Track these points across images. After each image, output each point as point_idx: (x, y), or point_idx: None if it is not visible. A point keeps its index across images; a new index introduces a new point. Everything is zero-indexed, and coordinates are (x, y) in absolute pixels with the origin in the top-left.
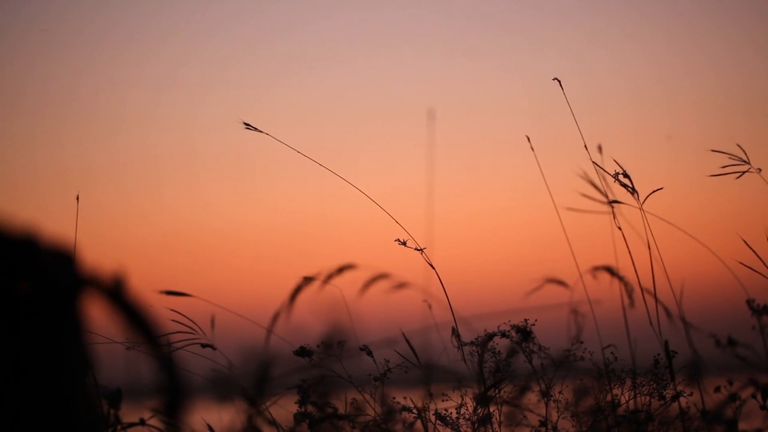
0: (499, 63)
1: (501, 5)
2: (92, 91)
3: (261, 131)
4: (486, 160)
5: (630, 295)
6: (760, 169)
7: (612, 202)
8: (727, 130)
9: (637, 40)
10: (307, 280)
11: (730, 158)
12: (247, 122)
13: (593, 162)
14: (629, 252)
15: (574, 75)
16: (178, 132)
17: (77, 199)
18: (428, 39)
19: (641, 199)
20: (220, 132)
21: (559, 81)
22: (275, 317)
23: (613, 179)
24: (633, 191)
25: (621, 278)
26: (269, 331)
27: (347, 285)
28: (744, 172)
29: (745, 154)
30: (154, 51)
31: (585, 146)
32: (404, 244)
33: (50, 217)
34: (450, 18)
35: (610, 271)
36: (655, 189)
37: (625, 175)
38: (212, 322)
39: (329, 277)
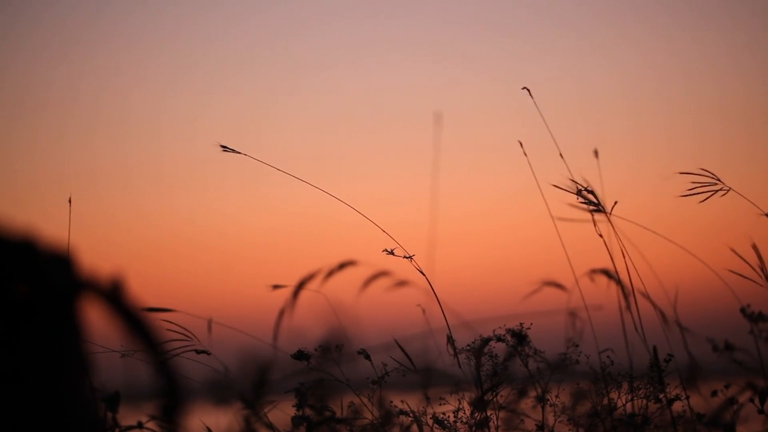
0: (493, 68)
1: (498, 11)
2: (93, 94)
3: (238, 152)
4: (482, 164)
5: (626, 298)
6: (729, 189)
7: (593, 211)
8: (721, 134)
9: (633, 45)
10: (300, 284)
11: (693, 182)
12: (223, 145)
13: (554, 185)
14: (611, 258)
15: (570, 80)
16: (177, 134)
17: (69, 201)
18: (427, 46)
19: (608, 210)
20: (220, 132)
21: (529, 90)
22: (280, 315)
23: (577, 196)
24: (597, 205)
25: (618, 281)
26: (276, 329)
27: (347, 285)
28: (713, 193)
29: (713, 174)
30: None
31: (561, 155)
32: (392, 253)
33: (50, 220)
34: (447, 25)
35: (607, 274)
36: (615, 201)
37: (588, 191)
38: (209, 327)
39: (331, 273)
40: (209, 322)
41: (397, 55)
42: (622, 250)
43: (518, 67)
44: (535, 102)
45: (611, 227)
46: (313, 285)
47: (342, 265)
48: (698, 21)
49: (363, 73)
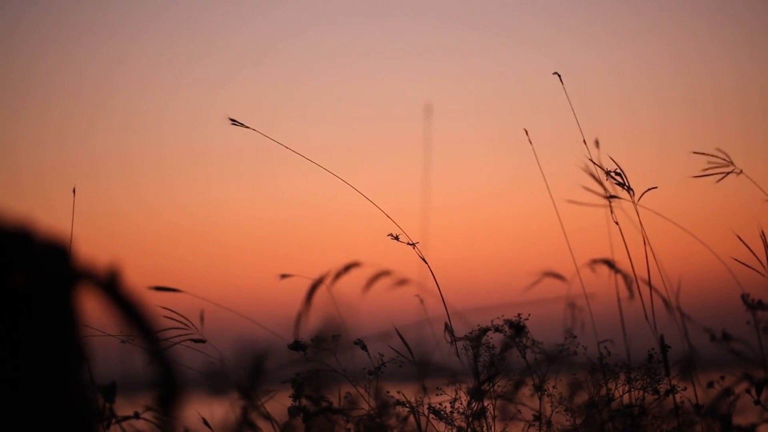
0: (490, 62)
1: (493, 8)
2: (98, 85)
3: (247, 127)
4: (481, 154)
5: (629, 287)
6: (741, 171)
7: (610, 197)
8: (719, 127)
9: (628, 39)
10: (315, 285)
11: (709, 162)
12: (233, 118)
13: (590, 159)
14: (626, 247)
15: (568, 71)
16: (182, 125)
17: (73, 191)
18: (425, 42)
19: (636, 196)
20: (222, 124)
21: (560, 75)
22: (298, 319)
23: (606, 177)
24: (629, 189)
25: (619, 271)
26: (295, 332)
27: (348, 282)
28: (727, 174)
29: (727, 156)
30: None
31: (584, 141)
32: (397, 238)
33: (50, 210)
34: (445, 22)
35: (609, 264)
36: (649, 187)
37: (618, 173)
38: (201, 317)
39: (338, 275)
40: (201, 313)
41: (390, 54)
42: (644, 239)
43: (514, 61)
44: (564, 88)
45: (638, 214)
46: (324, 286)
47: (348, 267)
48: (697, 8)
49: (356, 71)
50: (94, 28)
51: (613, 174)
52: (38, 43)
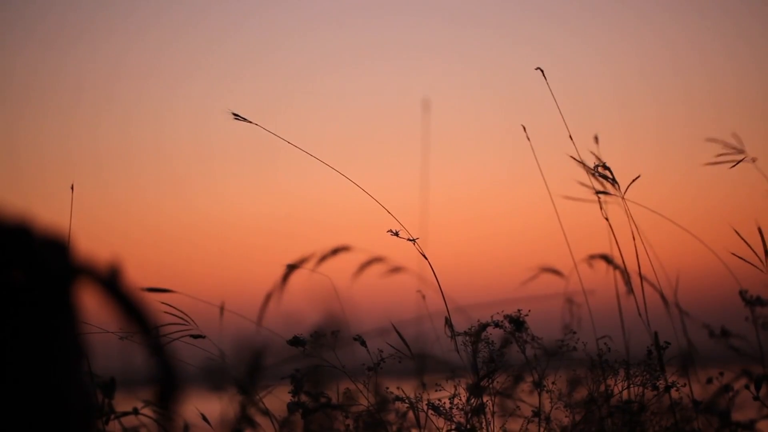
0: (488, 58)
1: (491, 5)
2: (98, 81)
3: (250, 122)
4: (480, 149)
5: (627, 283)
6: (755, 159)
7: (599, 193)
8: (717, 122)
9: (624, 31)
10: (292, 267)
11: (723, 147)
12: (236, 113)
13: (571, 157)
14: (617, 242)
15: (563, 68)
16: (181, 122)
17: (72, 188)
18: (423, 39)
19: (623, 190)
20: (222, 121)
21: (542, 70)
22: (267, 299)
23: (592, 172)
24: (613, 182)
25: (617, 266)
26: (260, 314)
27: (341, 270)
28: (739, 161)
29: (741, 142)
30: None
31: (570, 137)
32: (396, 234)
33: (51, 206)
34: (444, 19)
35: (606, 259)
36: (634, 178)
37: (605, 167)
38: (221, 310)
39: (324, 258)
40: (221, 307)
41: (387, 50)
42: (633, 234)
43: (512, 57)
44: (548, 83)
45: (625, 208)
46: (306, 269)
47: (335, 251)
48: (696, 6)
49: (353, 68)
50: (96, 24)
51: (600, 169)
52: (39, 38)
